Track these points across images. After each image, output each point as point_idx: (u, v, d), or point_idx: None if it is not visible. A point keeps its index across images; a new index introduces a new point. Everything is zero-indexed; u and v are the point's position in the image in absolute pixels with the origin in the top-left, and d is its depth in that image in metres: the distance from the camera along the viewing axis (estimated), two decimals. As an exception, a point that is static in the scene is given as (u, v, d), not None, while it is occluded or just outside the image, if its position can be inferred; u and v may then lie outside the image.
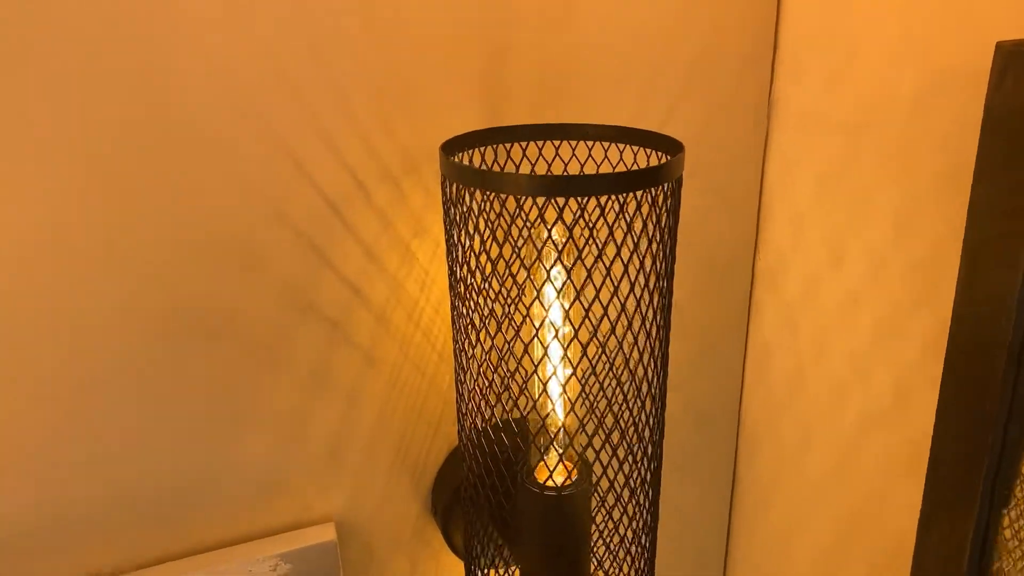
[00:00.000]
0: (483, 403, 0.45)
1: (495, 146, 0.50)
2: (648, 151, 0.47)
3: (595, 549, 0.53)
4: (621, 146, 0.49)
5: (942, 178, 0.49)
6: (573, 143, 0.51)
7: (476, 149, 0.48)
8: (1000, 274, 0.42)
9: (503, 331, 0.42)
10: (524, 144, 0.51)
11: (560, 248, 0.40)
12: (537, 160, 0.51)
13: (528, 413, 0.46)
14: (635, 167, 0.50)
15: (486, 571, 0.54)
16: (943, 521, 0.51)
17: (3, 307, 0.46)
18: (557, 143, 0.50)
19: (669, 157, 0.45)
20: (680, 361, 0.68)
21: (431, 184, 0.54)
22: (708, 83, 0.59)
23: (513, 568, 0.55)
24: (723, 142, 0.62)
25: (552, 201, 0.39)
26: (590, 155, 0.51)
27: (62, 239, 0.46)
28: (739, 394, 0.72)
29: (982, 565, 0.50)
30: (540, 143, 0.50)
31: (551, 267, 0.40)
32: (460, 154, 0.47)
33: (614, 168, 0.51)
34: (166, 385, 0.51)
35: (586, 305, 0.40)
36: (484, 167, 0.50)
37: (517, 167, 0.51)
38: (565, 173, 0.52)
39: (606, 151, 0.50)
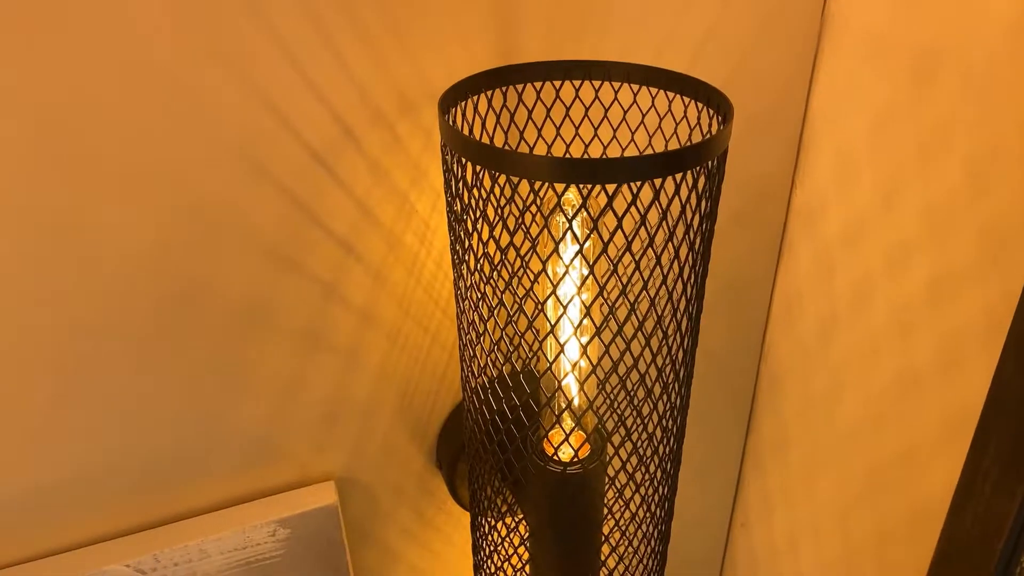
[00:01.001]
0: (490, 358, 0.41)
1: (504, 89, 0.43)
2: (686, 99, 0.40)
3: (609, 522, 0.50)
4: (653, 90, 0.42)
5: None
6: (596, 84, 0.43)
7: (483, 93, 0.41)
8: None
9: (513, 296, 0.37)
10: (539, 85, 0.43)
11: (582, 242, 0.34)
12: (553, 104, 0.44)
13: (541, 373, 0.41)
14: (669, 114, 0.43)
15: (493, 523, 0.52)
16: (982, 499, 0.48)
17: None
18: (577, 84, 0.43)
19: (707, 105, 0.38)
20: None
21: (431, 126, 0.46)
22: (754, -3, 0.51)
23: (520, 518, 0.53)
24: (763, 64, 0.54)
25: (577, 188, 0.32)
26: (616, 99, 0.43)
27: (30, 205, 0.40)
28: (762, 337, 0.68)
29: (1016, 550, 0.47)
30: (557, 84, 0.43)
31: (570, 261, 0.34)
32: (463, 102, 0.39)
33: (644, 114, 0.44)
34: (156, 351, 0.47)
35: (609, 300, 0.35)
36: (493, 113, 0.43)
37: (530, 112, 0.44)
38: (590, 141, 0.45)
39: (635, 95, 0.43)
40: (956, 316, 0.49)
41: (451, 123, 0.36)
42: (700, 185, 0.34)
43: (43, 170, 0.40)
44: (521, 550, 0.50)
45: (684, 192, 0.33)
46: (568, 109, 0.44)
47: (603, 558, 0.49)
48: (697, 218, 0.35)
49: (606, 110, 0.44)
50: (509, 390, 0.41)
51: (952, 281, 0.49)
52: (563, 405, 0.43)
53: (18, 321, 0.43)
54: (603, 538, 0.50)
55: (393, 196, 0.48)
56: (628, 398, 0.39)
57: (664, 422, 0.42)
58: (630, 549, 0.47)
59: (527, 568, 0.50)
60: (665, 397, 0.40)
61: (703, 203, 0.34)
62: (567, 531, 0.48)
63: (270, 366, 0.50)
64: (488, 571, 0.52)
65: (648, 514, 0.46)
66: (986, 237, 0.46)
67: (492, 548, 0.51)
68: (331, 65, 0.42)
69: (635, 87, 0.43)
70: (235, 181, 0.43)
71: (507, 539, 0.51)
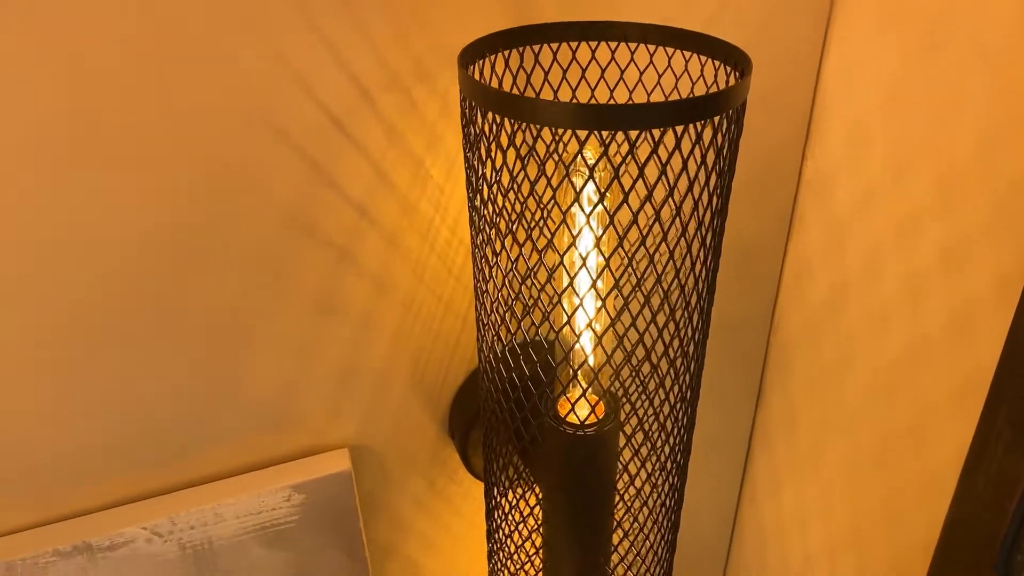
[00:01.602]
0: (506, 319, 0.41)
1: (521, 50, 0.43)
2: (703, 58, 0.40)
3: (622, 484, 0.50)
4: (669, 50, 0.42)
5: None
6: (612, 45, 0.43)
7: (500, 53, 0.41)
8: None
9: (528, 255, 0.37)
10: (555, 46, 0.43)
11: (603, 191, 0.34)
12: (569, 66, 0.44)
13: (555, 337, 0.42)
14: (685, 74, 0.43)
15: (506, 493, 0.53)
16: (994, 460, 0.48)
17: (12, 241, 0.41)
18: (594, 45, 0.43)
19: (725, 63, 0.39)
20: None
21: (447, 91, 0.47)
22: (767, -36, 0.51)
23: (533, 484, 0.53)
24: (775, 35, 0.54)
25: (596, 134, 0.33)
26: (632, 60, 0.44)
27: (57, 165, 0.40)
28: (772, 309, 0.68)
29: (1032, 509, 0.47)
30: (574, 45, 0.43)
31: (591, 211, 0.35)
32: (481, 61, 0.40)
33: (660, 74, 0.44)
34: (173, 316, 0.47)
35: (628, 250, 0.35)
36: (510, 74, 0.43)
37: (546, 74, 0.44)
38: (606, 101, 0.45)
39: (652, 56, 0.43)
40: (968, 283, 0.50)
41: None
42: (720, 135, 0.34)
43: (66, 130, 0.40)
44: (536, 511, 0.50)
45: (705, 140, 0.34)
46: (584, 71, 0.44)
47: (617, 519, 0.49)
48: (717, 169, 0.35)
49: (622, 71, 0.44)
50: (527, 347, 0.41)
51: (964, 248, 0.49)
52: (578, 363, 0.43)
53: (40, 285, 0.43)
54: (616, 501, 0.50)
55: (408, 161, 0.48)
56: (647, 355, 0.39)
57: (681, 380, 0.42)
58: (644, 510, 0.48)
59: (540, 529, 0.50)
60: (683, 354, 0.41)
61: (723, 153, 0.35)
62: (581, 493, 0.48)
63: (285, 332, 0.51)
64: (500, 537, 0.53)
65: (663, 473, 0.46)
66: (999, 203, 0.46)
67: (505, 514, 0.51)
68: (349, 28, 0.43)
69: (651, 48, 0.43)
70: (253, 143, 0.44)
71: (520, 505, 0.51)
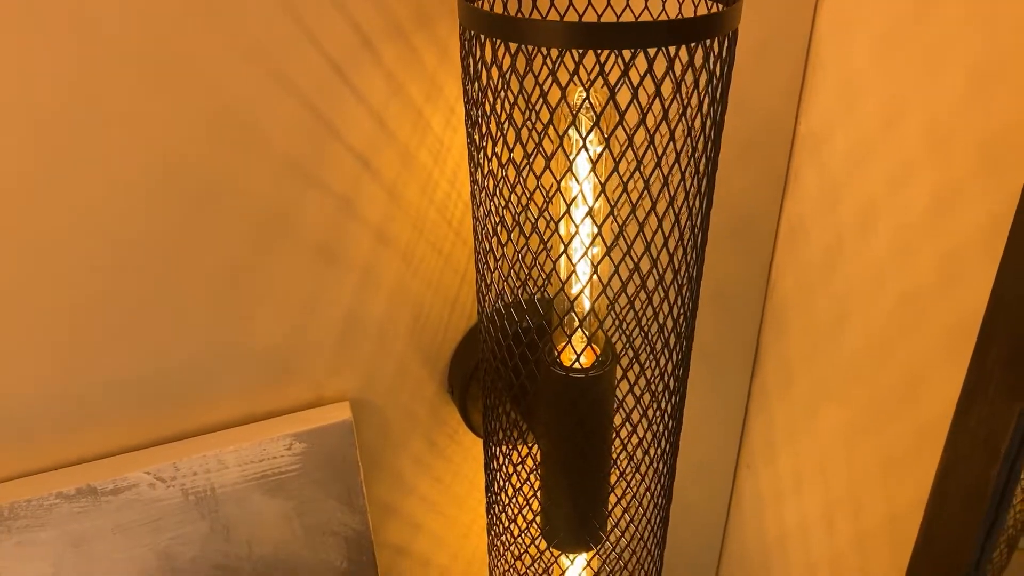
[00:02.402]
0: (507, 278, 0.42)
1: (519, -4, 0.44)
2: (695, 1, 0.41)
3: (620, 431, 0.51)
4: (663, -7, 0.43)
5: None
6: (607, -12, 0.44)
7: (498, -4, 0.42)
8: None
9: (531, 202, 0.38)
10: (552, -10, 0.44)
11: (599, 113, 0.35)
12: (567, 11, 0.45)
13: (554, 294, 0.42)
14: (680, 18, 0.44)
15: (505, 449, 0.53)
16: (985, 401, 0.49)
17: (14, 188, 0.42)
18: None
19: (721, 5, 0.39)
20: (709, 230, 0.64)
21: (446, 40, 0.48)
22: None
23: (533, 446, 0.54)
24: (771, -9, 0.55)
25: (594, 54, 0.33)
26: (628, 5, 0.45)
27: (57, 116, 0.41)
28: (768, 269, 0.69)
29: (1022, 449, 0.48)
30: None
31: (587, 134, 0.36)
32: (479, 1, 0.41)
33: (655, 16, 0.45)
34: (179, 261, 0.48)
35: (623, 174, 0.36)
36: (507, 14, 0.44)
37: (544, 17, 0.45)
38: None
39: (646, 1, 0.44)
40: (957, 230, 0.50)
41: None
42: (713, 57, 0.35)
43: (86, 72, 0.41)
44: (534, 458, 0.51)
45: (698, 65, 0.34)
46: (581, 16, 0.45)
47: (615, 456, 0.49)
48: (709, 96, 0.36)
49: (618, 16, 0.45)
50: (528, 302, 0.42)
51: (953, 194, 0.50)
52: (575, 300, 0.44)
53: (50, 231, 0.44)
54: (613, 442, 0.50)
55: (408, 111, 0.49)
56: (642, 287, 0.40)
57: (675, 314, 0.43)
58: (640, 449, 0.48)
59: (538, 473, 0.51)
60: (677, 287, 0.41)
61: (716, 76, 0.35)
62: (579, 436, 0.48)
63: (288, 280, 0.51)
64: (498, 488, 0.53)
65: (659, 411, 0.47)
66: (987, 147, 0.47)
67: (501, 465, 0.52)
68: (350, -29, 0.44)
69: (646, -8, 0.44)
70: (259, 87, 0.45)
71: (515, 458, 0.52)
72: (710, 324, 0.70)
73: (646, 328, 0.42)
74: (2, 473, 0.49)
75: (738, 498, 0.82)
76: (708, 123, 0.37)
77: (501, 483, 0.53)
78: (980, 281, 0.49)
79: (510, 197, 0.39)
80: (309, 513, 0.55)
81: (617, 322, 0.43)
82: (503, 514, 0.53)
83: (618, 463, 0.51)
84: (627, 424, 0.48)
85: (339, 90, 0.46)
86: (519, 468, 0.51)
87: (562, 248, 0.40)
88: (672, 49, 0.33)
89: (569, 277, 0.43)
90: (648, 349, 0.44)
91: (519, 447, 0.53)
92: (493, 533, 0.57)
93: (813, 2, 0.57)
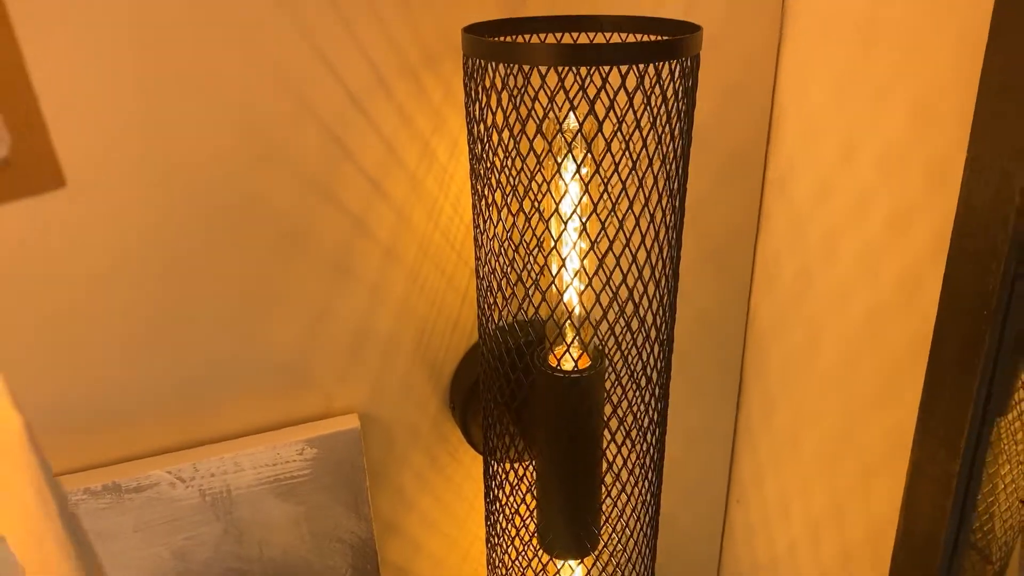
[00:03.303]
0: (503, 292, 0.47)
1: (512, 38, 0.51)
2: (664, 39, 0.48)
3: (609, 431, 0.55)
4: (638, 36, 0.50)
5: (960, 71, 0.50)
6: (591, 35, 0.51)
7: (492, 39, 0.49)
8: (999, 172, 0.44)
9: (522, 210, 0.44)
10: (542, 36, 0.51)
11: (580, 122, 0.41)
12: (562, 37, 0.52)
13: (548, 308, 0.47)
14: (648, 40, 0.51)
15: (504, 465, 0.57)
16: (943, 401, 0.53)
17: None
18: (575, 35, 0.51)
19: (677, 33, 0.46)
20: (691, 270, 0.70)
21: (451, 79, 0.54)
22: (723, -17, 0.60)
23: (528, 464, 0.57)
24: (736, 45, 0.62)
25: (573, 72, 0.40)
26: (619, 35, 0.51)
27: (99, 129, 0.47)
28: (747, 304, 0.74)
29: (980, 439, 0.52)
30: (558, 35, 0.51)
31: (571, 140, 0.41)
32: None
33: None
34: (203, 268, 0.53)
35: (604, 180, 0.42)
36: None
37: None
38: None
39: (624, 41, 0.51)
40: (911, 247, 0.56)
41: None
42: (681, 75, 0.41)
43: (122, 97, 0.47)
44: (530, 472, 0.54)
45: (665, 82, 0.41)
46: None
47: (608, 463, 0.53)
48: (678, 109, 0.42)
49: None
50: (523, 323, 0.47)
51: (906, 214, 0.56)
52: (565, 316, 0.49)
53: (84, 237, 0.49)
54: (605, 447, 0.54)
55: (416, 140, 0.55)
56: (624, 284, 0.45)
57: (656, 320, 0.48)
58: (627, 444, 0.52)
59: (534, 485, 0.54)
60: (656, 292, 0.47)
61: (683, 93, 0.42)
62: (571, 437, 0.52)
63: (303, 292, 0.56)
64: (493, 495, 0.57)
65: (644, 406, 0.51)
66: (931, 169, 0.53)
67: (495, 472, 0.56)
68: (369, 19, 0.51)
69: (623, 36, 0.51)
70: (286, 113, 0.51)
71: (514, 466, 0.55)
72: (696, 361, 0.74)
73: (634, 329, 0.47)
74: (32, 472, 0.53)
75: (730, 529, 0.84)
76: (677, 134, 0.43)
77: (496, 493, 0.56)
78: (934, 291, 0.54)
79: (504, 212, 0.44)
80: (317, 519, 0.58)
81: (606, 327, 0.48)
82: (500, 524, 0.56)
83: (611, 463, 0.54)
84: (616, 421, 0.52)
85: (356, 119, 0.53)
86: (517, 483, 0.55)
87: (555, 254, 0.46)
88: (641, 67, 0.39)
89: (551, 284, 0.48)
90: (634, 349, 0.48)
91: (516, 465, 0.56)
92: (491, 544, 0.60)
93: (775, 54, 0.64)
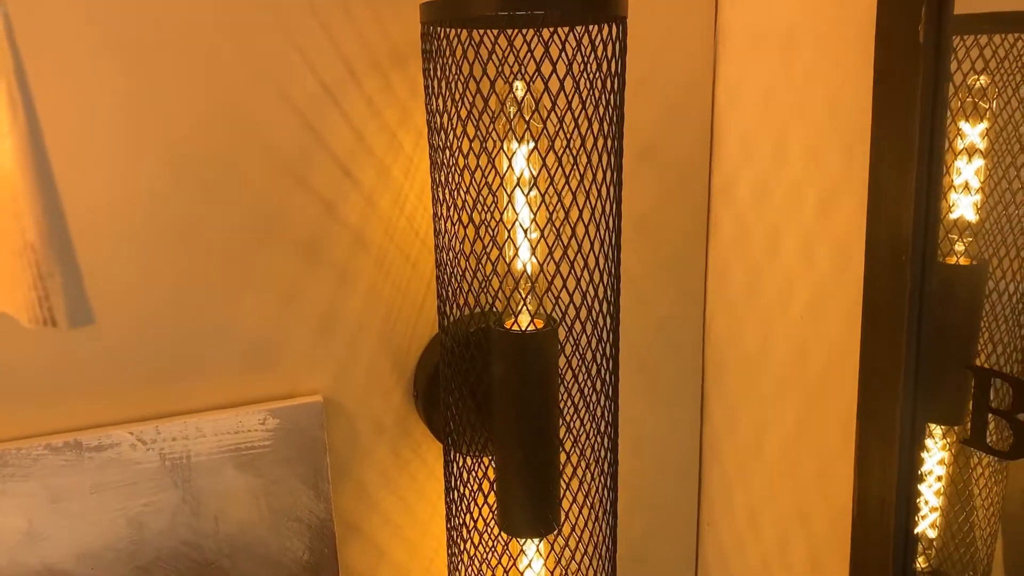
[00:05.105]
0: (464, 257, 0.51)
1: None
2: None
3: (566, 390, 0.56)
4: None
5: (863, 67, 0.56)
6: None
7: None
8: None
9: (479, 167, 0.48)
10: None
11: (530, 80, 0.47)
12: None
13: (504, 265, 0.51)
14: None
15: (466, 460, 0.58)
16: (876, 377, 0.56)
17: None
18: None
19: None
20: (646, 282, 0.73)
21: (415, 77, 0.61)
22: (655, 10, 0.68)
23: (489, 457, 0.59)
24: (674, 67, 0.70)
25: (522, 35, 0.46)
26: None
27: (81, 104, 0.53)
28: (703, 314, 0.77)
29: (917, 393, 0.54)
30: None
31: (522, 99, 0.47)
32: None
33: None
34: (169, 249, 0.57)
35: (550, 140, 0.47)
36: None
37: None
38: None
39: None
40: (839, 222, 0.60)
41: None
42: (612, 39, 0.47)
43: (110, 79, 0.53)
44: (488, 464, 0.56)
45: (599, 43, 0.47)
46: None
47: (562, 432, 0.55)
48: (610, 70, 0.48)
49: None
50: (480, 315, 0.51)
51: (831, 198, 0.61)
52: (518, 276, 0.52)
53: (82, 194, 0.53)
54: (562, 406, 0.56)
55: (384, 131, 0.61)
56: (573, 237, 0.49)
57: (602, 277, 0.52)
58: (582, 405, 0.54)
59: (495, 460, 0.55)
60: (600, 245, 0.51)
61: (614, 53, 0.48)
62: (528, 395, 0.54)
63: (274, 272, 0.60)
64: (453, 484, 0.57)
65: (596, 365, 0.53)
66: (846, 154, 0.59)
67: (458, 463, 0.57)
68: (341, 17, 0.57)
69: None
70: (263, 99, 0.57)
71: (473, 456, 0.57)
72: (658, 375, 0.76)
73: (583, 287, 0.51)
74: (-5, 434, 0.54)
75: (703, 555, 0.83)
76: (613, 89, 0.49)
77: (454, 483, 0.57)
78: (861, 265, 0.58)
79: (459, 182, 0.49)
80: (276, 494, 0.58)
81: (554, 289, 0.51)
82: (461, 514, 0.57)
83: (569, 425, 0.56)
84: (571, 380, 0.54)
85: (328, 108, 0.58)
86: (478, 475, 0.56)
87: (508, 210, 0.50)
88: (579, 29, 0.46)
89: (506, 240, 0.51)
90: (585, 307, 0.52)
91: (476, 453, 0.57)
92: (452, 539, 0.59)
93: (711, 74, 0.71)
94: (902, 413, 0.54)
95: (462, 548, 0.58)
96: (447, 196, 0.51)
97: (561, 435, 0.56)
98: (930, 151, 0.50)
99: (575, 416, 0.56)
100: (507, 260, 0.52)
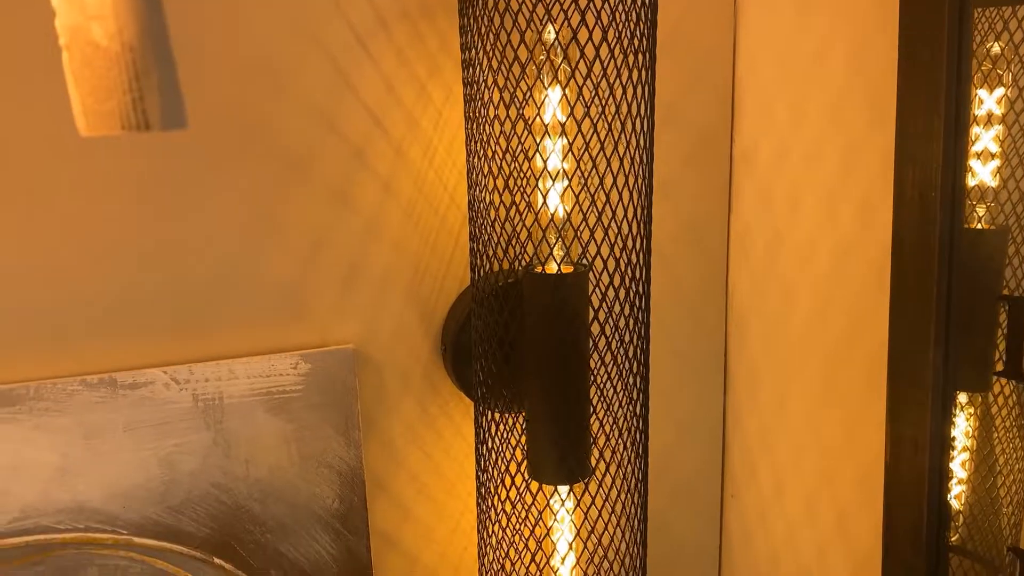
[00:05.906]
0: (496, 210, 0.51)
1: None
2: None
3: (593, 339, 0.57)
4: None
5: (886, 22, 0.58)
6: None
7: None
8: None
9: (510, 117, 0.49)
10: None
11: (566, 46, 0.48)
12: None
13: (533, 212, 0.52)
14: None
15: (493, 412, 0.58)
16: (909, 341, 0.56)
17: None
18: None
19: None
20: (668, 251, 0.74)
21: (445, 31, 0.62)
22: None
23: (518, 412, 0.59)
24: (694, 33, 0.71)
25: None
26: None
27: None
28: (725, 282, 0.78)
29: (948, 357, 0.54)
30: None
31: (561, 62, 0.48)
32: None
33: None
34: (202, 192, 0.57)
35: (575, 97, 0.48)
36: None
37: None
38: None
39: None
40: (862, 179, 0.61)
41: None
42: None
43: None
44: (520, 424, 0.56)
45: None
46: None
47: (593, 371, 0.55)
48: (641, 38, 0.49)
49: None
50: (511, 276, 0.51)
51: (854, 153, 0.62)
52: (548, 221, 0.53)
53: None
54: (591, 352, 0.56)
55: (414, 82, 0.62)
56: (600, 187, 0.50)
57: (633, 223, 0.52)
58: (613, 349, 0.54)
59: (526, 407, 0.55)
60: (631, 197, 0.51)
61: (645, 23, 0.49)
62: (560, 336, 0.54)
63: (304, 218, 0.60)
64: (484, 436, 0.57)
65: (628, 308, 0.53)
66: (871, 109, 0.60)
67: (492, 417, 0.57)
68: (375, -33, 0.59)
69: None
70: (295, 45, 0.58)
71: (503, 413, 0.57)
72: (681, 346, 0.77)
73: (612, 232, 0.52)
74: (32, 374, 0.54)
75: (727, 530, 0.82)
76: (645, 49, 0.50)
77: (484, 436, 0.57)
78: (887, 218, 0.59)
79: (495, 127, 0.50)
80: (307, 440, 0.58)
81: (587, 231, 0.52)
82: (491, 464, 0.57)
83: (595, 373, 0.56)
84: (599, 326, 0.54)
85: (359, 55, 0.59)
86: (507, 430, 0.56)
87: (538, 158, 0.51)
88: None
89: (535, 188, 0.52)
90: (616, 248, 0.52)
91: (504, 407, 0.57)
92: (482, 488, 0.59)
93: (732, 40, 0.73)
94: (934, 355, 0.55)
95: (494, 499, 0.58)
96: (479, 147, 0.52)
97: (591, 380, 0.56)
98: (957, 85, 0.51)
99: (607, 353, 0.56)
100: (536, 207, 0.53)
